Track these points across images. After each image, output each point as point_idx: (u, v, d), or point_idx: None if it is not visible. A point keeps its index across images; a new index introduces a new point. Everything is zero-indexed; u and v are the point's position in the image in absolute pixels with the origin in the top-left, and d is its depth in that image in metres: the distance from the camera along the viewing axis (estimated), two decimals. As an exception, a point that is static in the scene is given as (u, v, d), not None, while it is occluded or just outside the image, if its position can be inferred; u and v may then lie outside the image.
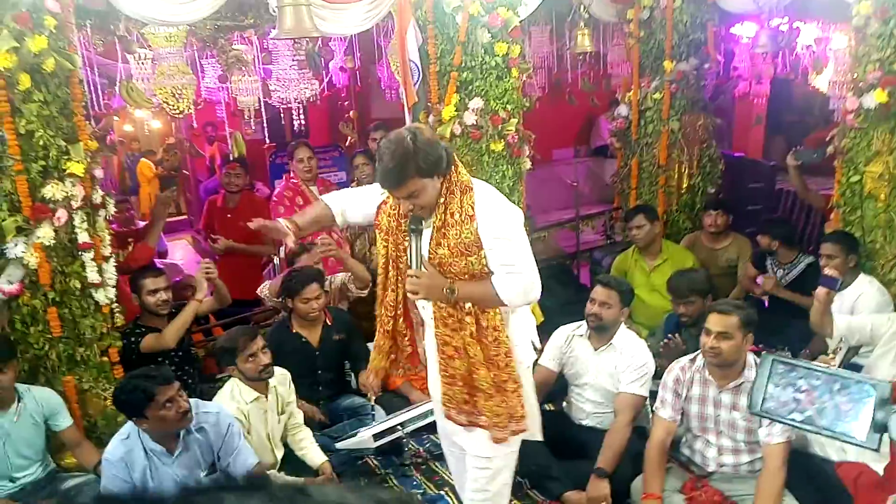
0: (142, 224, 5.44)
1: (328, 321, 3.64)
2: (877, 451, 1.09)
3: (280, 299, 3.87)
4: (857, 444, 1.05)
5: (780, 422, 1.13)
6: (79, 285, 3.17)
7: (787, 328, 3.89)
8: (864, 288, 3.59)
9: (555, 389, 3.57)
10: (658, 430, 2.94)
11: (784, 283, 4.18)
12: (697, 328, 3.47)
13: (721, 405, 2.84)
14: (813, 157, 4.29)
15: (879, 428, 1.02)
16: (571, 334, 3.39)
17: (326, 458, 3.20)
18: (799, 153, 4.43)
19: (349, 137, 6.02)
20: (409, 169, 2.06)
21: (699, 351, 2.93)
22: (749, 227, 5.07)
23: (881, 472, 2.64)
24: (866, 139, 3.69)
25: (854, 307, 3.56)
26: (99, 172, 3.28)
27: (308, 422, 3.35)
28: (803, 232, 5.59)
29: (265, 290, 3.97)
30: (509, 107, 4.01)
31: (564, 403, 3.54)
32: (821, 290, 3.13)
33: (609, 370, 3.24)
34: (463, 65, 3.91)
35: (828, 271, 3.20)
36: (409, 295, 2.26)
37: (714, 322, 2.78)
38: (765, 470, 2.71)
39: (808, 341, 3.81)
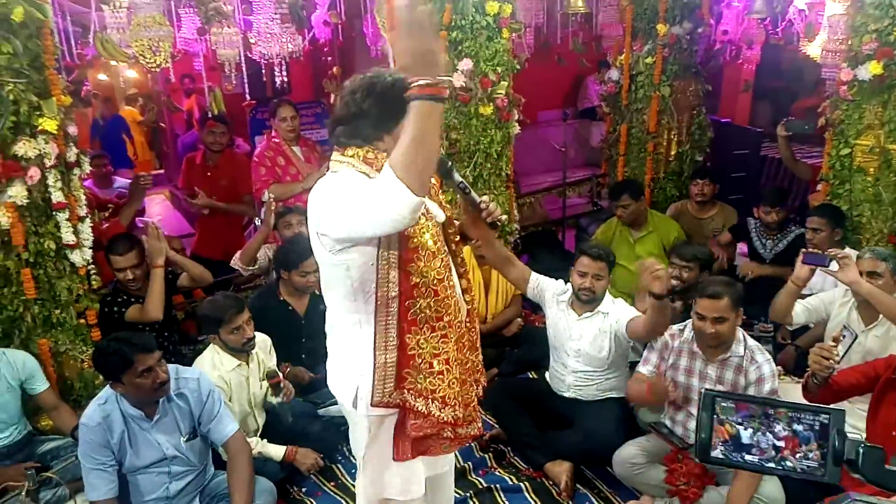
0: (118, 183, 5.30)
1: (317, 290, 3.58)
2: (837, 484, 1.03)
3: (255, 267, 3.80)
4: (819, 481, 1.00)
5: (738, 467, 1.07)
6: (54, 246, 3.07)
7: (765, 298, 3.89)
8: (849, 261, 3.60)
9: (536, 359, 3.59)
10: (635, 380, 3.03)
11: (773, 253, 4.17)
12: (686, 296, 3.49)
13: (706, 378, 2.86)
14: (804, 128, 4.24)
15: (839, 460, 0.96)
16: (556, 298, 3.34)
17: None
18: (790, 123, 4.37)
19: (333, 95, 5.83)
20: None
21: (688, 322, 2.93)
22: (733, 195, 5.05)
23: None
24: (858, 112, 3.65)
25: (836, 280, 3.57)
26: (73, 129, 3.15)
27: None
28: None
29: (237, 262, 3.88)
30: (499, 69, 3.90)
31: (547, 375, 3.53)
32: (804, 269, 3.04)
33: (594, 332, 3.20)
34: (453, 23, 3.79)
35: (812, 247, 3.19)
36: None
37: (707, 308, 2.78)
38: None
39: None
